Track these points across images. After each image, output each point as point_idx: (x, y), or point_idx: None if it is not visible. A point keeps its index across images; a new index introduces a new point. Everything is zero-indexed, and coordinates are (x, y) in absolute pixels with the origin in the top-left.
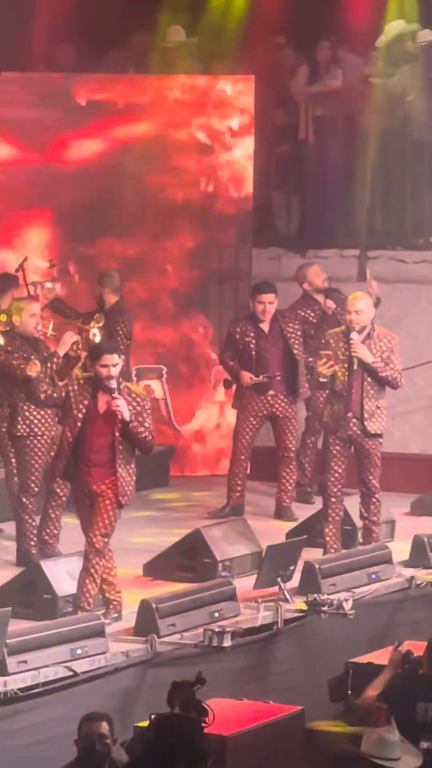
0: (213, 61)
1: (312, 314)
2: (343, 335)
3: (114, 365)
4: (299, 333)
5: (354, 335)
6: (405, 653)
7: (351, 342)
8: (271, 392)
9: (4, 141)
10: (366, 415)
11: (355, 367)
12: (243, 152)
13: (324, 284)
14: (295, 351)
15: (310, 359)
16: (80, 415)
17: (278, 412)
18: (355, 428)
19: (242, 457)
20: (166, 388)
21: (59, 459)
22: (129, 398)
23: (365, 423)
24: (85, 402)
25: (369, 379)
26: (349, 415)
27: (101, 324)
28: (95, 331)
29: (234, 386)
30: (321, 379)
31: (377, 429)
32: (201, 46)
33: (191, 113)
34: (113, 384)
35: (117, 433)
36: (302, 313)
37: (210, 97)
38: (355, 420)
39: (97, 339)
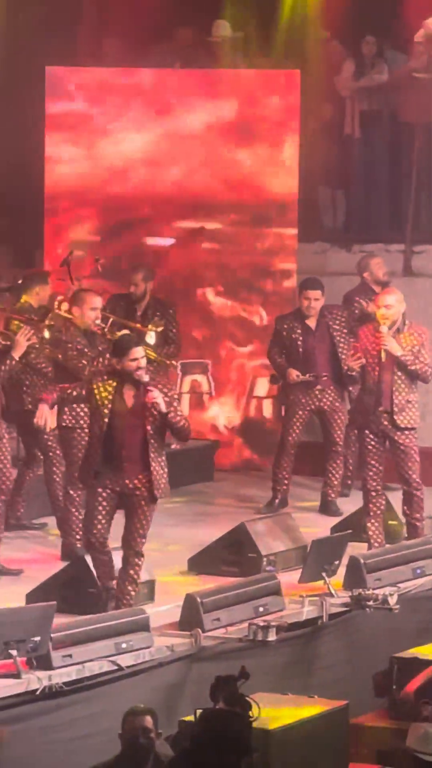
0: (258, 55)
1: (366, 304)
2: (373, 329)
3: (142, 358)
4: (345, 329)
5: (383, 329)
6: None
7: (380, 335)
8: (318, 387)
9: (52, 134)
10: (396, 409)
11: (383, 359)
12: (288, 147)
13: (384, 277)
14: (341, 348)
15: None
16: (107, 411)
17: (326, 406)
18: (386, 422)
19: (291, 451)
20: (212, 382)
21: (92, 457)
22: (160, 388)
23: (395, 417)
24: (110, 398)
25: (399, 373)
26: (381, 409)
27: (160, 329)
28: (152, 334)
29: (281, 382)
30: (350, 373)
31: (408, 423)
32: (246, 41)
33: (236, 108)
34: (145, 377)
35: (149, 427)
36: (357, 302)
37: (255, 92)
38: (385, 414)
39: (152, 341)
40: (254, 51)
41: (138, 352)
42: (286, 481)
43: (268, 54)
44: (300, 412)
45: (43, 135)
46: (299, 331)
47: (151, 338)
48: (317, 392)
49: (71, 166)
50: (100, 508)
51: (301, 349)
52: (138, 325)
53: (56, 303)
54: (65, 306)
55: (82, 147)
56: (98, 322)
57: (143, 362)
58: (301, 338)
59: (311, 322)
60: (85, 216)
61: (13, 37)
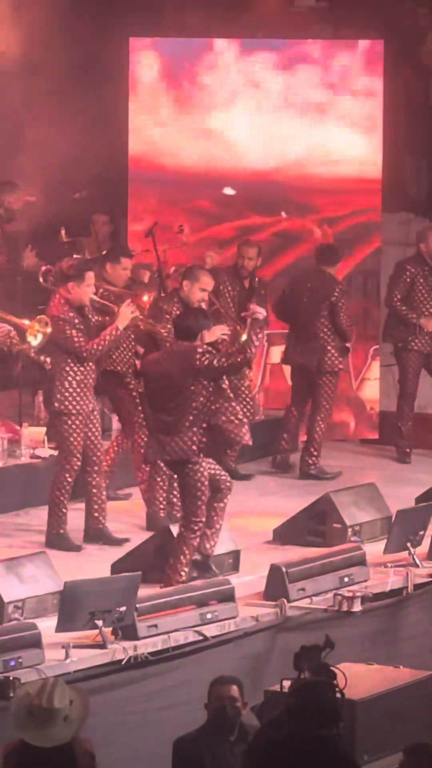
0: (343, 25)
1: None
2: None
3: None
4: None
5: None
6: None
7: None
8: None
9: (135, 105)
10: None
11: None
12: (372, 116)
13: None
14: None
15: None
16: None
17: None
18: None
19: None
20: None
21: None
22: None
23: None
24: None
25: None
26: None
27: None
28: None
29: None
30: None
31: None
32: (331, 10)
33: (321, 78)
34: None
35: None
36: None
37: (340, 61)
38: None
39: None
40: (338, 20)
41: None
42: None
43: (352, 24)
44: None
45: (126, 106)
46: None
47: None
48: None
49: (154, 137)
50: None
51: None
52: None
53: (171, 271)
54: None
55: (164, 118)
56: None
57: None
58: None
59: None
60: (165, 190)
61: (97, 8)
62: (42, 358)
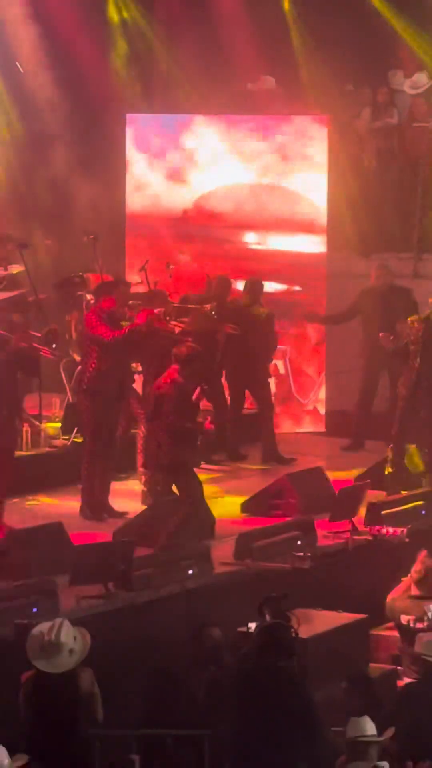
0: (296, 103)
1: None
2: None
3: None
4: None
5: None
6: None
7: None
8: None
9: (132, 170)
10: None
11: None
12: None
13: None
14: None
15: None
16: None
17: None
18: None
19: None
20: (289, 366)
21: None
22: None
23: None
24: None
25: None
26: None
27: None
28: None
29: None
30: None
31: None
32: (287, 90)
33: (279, 145)
34: None
35: None
36: None
37: (293, 134)
38: None
39: None
40: (292, 99)
41: None
42: None
43: (303, 102)
44: None
45: (124, 170)
46: None
47: None
48: None
49: (148, 195)
50: None
51: None
52: None
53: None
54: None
55: (158, 180)
56: None
57: None
58: None
59: None
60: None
61: (98, 88)
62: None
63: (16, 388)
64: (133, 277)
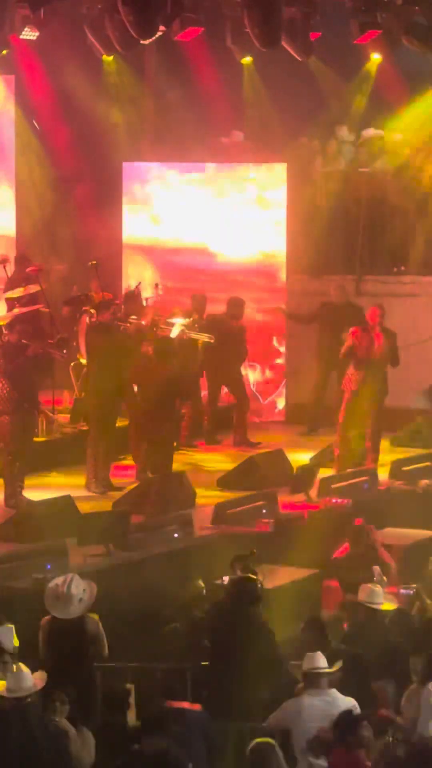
0: (261, 151)
1: None
2: None
3: None
4: None
5: None
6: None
7: None
8: None
9: (127, 210)
10: None
11: None
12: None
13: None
14: None
15: None
16: None
17: None
18: None
19: None
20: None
21: None
22: None
23: None
24: None
25: None
26: None
27: None
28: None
29: None
30: None
31: None
32: (252, 142)
33: (247, 189)
34: None
35: None
36: None
37: (258, 178)
38: None
39: None
40: (256, 149)
41: None
42: None
43: (266, 151)
44: None
45: (121, 210)
46: None
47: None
48: None
49: (140, 229)
50: None
51: None
52: None
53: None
54: None
55: (149, 218)
56: None
57: None
58: None
59: None
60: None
61: (97, 139)
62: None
63: (34, 385)
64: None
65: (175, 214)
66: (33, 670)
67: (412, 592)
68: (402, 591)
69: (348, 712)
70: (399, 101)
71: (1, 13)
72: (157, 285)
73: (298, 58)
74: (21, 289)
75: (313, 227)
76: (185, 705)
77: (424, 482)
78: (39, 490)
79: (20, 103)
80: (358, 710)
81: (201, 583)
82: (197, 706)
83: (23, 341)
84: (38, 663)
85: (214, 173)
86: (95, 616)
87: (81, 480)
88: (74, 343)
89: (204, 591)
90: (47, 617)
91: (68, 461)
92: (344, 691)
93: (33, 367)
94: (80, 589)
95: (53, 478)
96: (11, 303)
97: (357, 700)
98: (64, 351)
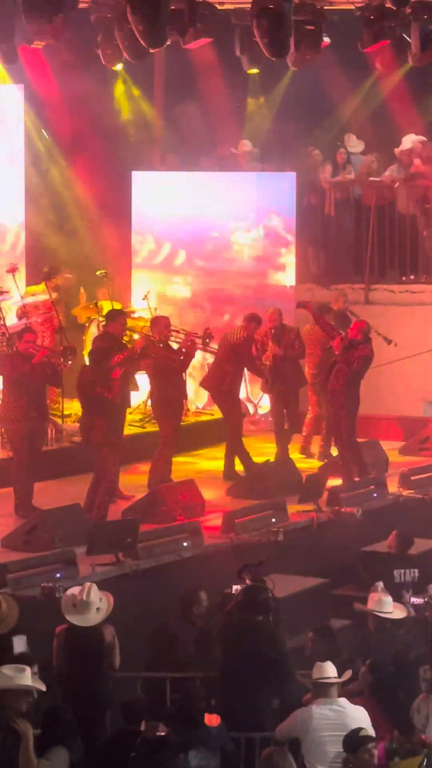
0: (270, 162)
1: None
2: None
3: None
4: None
5: None
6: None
7: None
8: None
9: (135, 219)
10: None
11: None
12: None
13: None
14: None
15: None
16: None
17: None
18: None
19: None
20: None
21: None
22: None
23: None
24: None
25: None
26: None
27: None
28: None
29: None
30: None
31: None
32: (261, 152)
33: (257, 198)
34: None
35: None
36: None
37: (266, 187)
38: None
39: None
40: (265, 159)
41: None
42: None
43: (275, 162)
44: None
45: (130, 220)
46: None
47: None
48: None
49: (149, 239)
50: None
51: None
52: None
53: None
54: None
55: (157, 228)
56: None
57: None
58: None
59: None
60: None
61: (107, 149)
62: None
63: (44, 396)
64: (138, 304)
65: (182, 225)
66: (44, 679)
67: (423, 601)
68: (413, 600)
69: (356, 731)
70: (406, 111)
71: (11, 22)
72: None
73: (306, 68)
74: (31, 297)
75: (321, 236)
76: (205, 719)
77: None
78: (51, 497)
79: (29, 111)
80: (368, 722)
81: (204, 594)
82: (216, 718)
83: (31, 350)
84: (49, 672)
85: (223, 182)
86: (111, 627)
87: None
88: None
89: (206, 602)
90: (63, 626)
91: (77, 470)
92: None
93: (40, 376)
94: (98, 598)
95: (63, 487)
96: (21, 312)
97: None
98: (69, 362)
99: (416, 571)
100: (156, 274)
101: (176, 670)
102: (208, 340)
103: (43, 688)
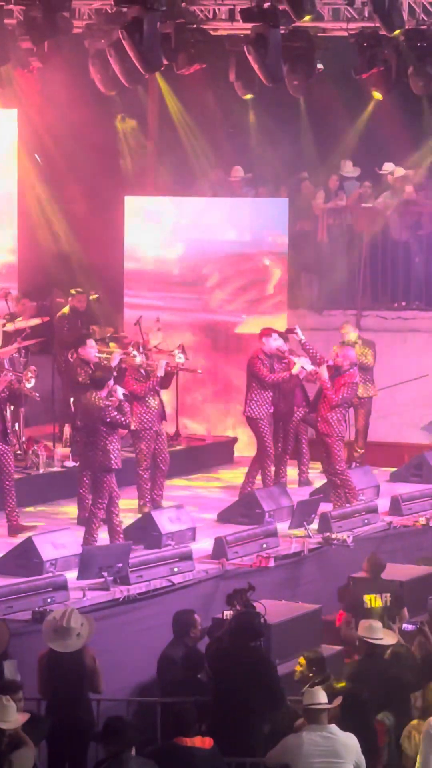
0: (262, 188)
1: None
2: None
3: None
4: None
5: None
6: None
7: None
8: None
9: (129, 239)
10: None
11: None
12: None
13: None
14: None
15: None
16: None
17: None
18: None
19: None
20: None
21: None
22: None
23: None
24: None
25: None
26: None
27: None
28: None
29: None
30: None
31: None
32: (254, 178)
33: (250, 225)
34: None
35: None
36: None
37: (260, 214)
38: None
39: None
40: (258, 185)
41: None
42: None
43: (268, 187)
44: None
45: (122, 244)
46: None
47: None
48: None
49: (141, 263)
50: None
51: None
52: None
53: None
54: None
55: (148, 248)
56: None
57: None
58: None
59: None
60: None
61: (98, 175)
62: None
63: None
64: (129, 329)
65: (175, 248)
66: (35, 704)
67: (414, 627)
68: (405, 627)
69: None
70: (399, 137)
71: (5, 46)
72: (158, 319)
73: (301, 94)
74: (21, 320)
75: (313, 262)
76: (197, 741)
77: (423, 517)
78: (41, 521)
79: (22, 136)
80: (357, 749)
81: (197, 617)
82: (209, 741)
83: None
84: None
85: (215, 208)
86: (92, 651)
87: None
88: (80, 379)
89: (200, 626)
90: (45, 650)
91: (68, 494)
92: (344, 727)
93: (2, 402)
94: (78, 623)
95: (55, 510)
96: (11, 336)
97: (357, 735)
98: (36, 393)
99: (388, 595)
100: (149, 299)
101: (171, 693)
102: (182, 355)
103: (20, 724)
